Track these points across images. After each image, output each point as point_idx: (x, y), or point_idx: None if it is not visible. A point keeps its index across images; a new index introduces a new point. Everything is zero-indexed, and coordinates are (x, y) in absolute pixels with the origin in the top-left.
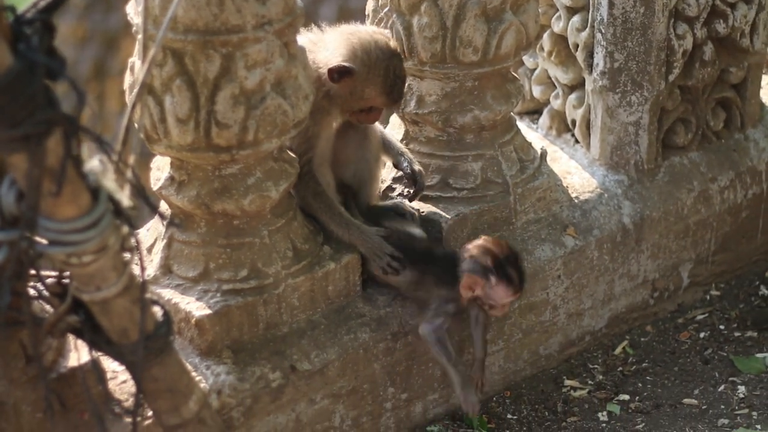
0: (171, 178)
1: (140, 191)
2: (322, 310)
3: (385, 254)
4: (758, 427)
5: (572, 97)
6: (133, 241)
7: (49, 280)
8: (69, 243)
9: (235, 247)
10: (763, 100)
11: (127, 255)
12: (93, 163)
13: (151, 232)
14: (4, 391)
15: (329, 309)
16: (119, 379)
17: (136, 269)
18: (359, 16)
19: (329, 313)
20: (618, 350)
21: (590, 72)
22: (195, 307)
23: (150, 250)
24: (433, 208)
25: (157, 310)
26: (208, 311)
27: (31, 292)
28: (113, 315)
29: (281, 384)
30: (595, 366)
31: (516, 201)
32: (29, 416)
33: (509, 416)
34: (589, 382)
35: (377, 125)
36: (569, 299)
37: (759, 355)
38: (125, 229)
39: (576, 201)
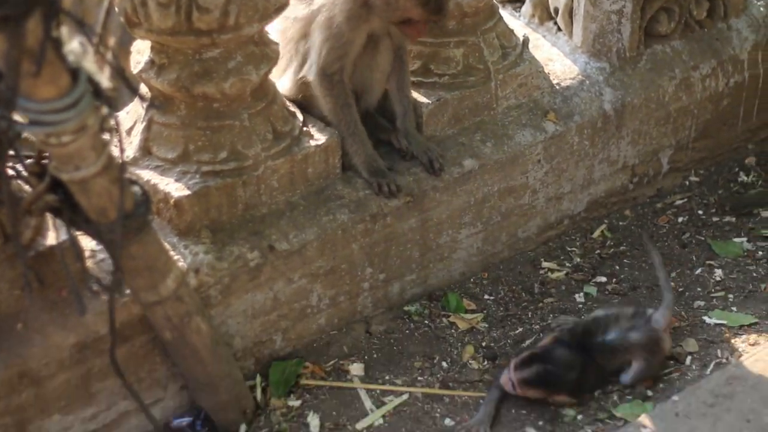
0: (151, 62)
1: (120, 73)
2: (301, 192)
3: (386, 180)
4: (734, 309)
5: None
6: (112, 122)
7: (27, 161)
8: (48, 123)
9: (214, 130)
10: None
11: (106, 136)
12: (73, 44)
13: (131, 115)
14: None
15: (308, 191)
16: (97, 258)
17: (115, 150)
18: None
19: (308, 195)
20: (596, 234)
21: None
22: (174, 188)
23: (129, 132)
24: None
25: (136, 190)
26: (186, 192)
27: (10, 171)
28: (92, 194)
29: (259, 263)
30: (573, 249)
31: (497, 87)
32: (7, 293)
33: (486, 297)
34: (567, 264)
35: (405, 60)
36: (549, 183)
37: (736, 240)
38: (104, 110)
39: (557, 87)
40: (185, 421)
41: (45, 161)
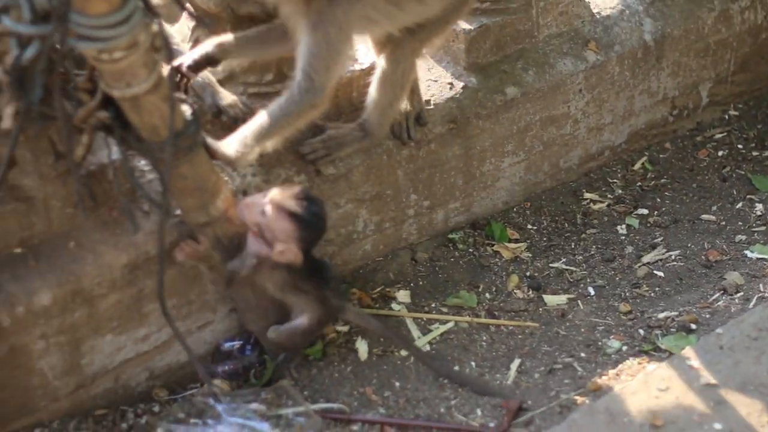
0: None
1: None
2: (346, 117)
3: None
4: None
5: None
6: (162, 39)
7: (79, 78)
8: (100, 38)
9: None
10: None
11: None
12: None
13: (178, 34)
14: (35, 186)
15: (354, 115)
16: (147, 177)
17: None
18: None
19: (354, 120)
20: (637, 166)
21: None
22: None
23: None
24: None
25: (186, 109)
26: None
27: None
28: (143, 112)
29: (306, 187)
30: (615, 180)
31: (538, 14)
32: (59, 211)
33: (529, 226)
34: (609, 195)
35: None
36: (590, 113)
37: None
38: (155, 27)
39: (598, 17)
40: (235, 344)
41: (96, 78)
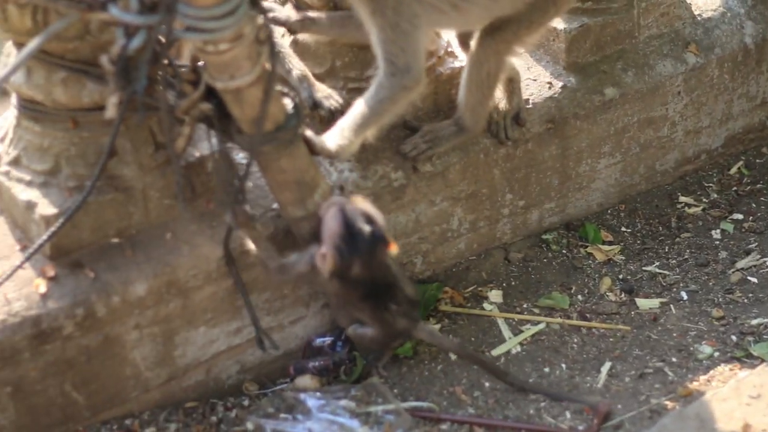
0: None
1: None
2: (444, 114)
3: None
4: None
5: None
6: (267, 31)
7: (182, 69)
8: (206, 30)
9: (362, 47)
10: None
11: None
12: None
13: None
14: (134, 177)
15: (451, 113)
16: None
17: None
18: None
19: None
20: (733, 170)
21: None
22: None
23: None
24: None
25: (288, 102)
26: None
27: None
28: (245, 104)
29: (403, 184)
30: (710, 184)
31: (639, 15)
32: (157, 202)
33: (623, 229)
34: (704, 199)
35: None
36: (688, 116)
37: None
38: (260, 19)
39: (699, 19)
40: (326, 340)
41: (200, 70)
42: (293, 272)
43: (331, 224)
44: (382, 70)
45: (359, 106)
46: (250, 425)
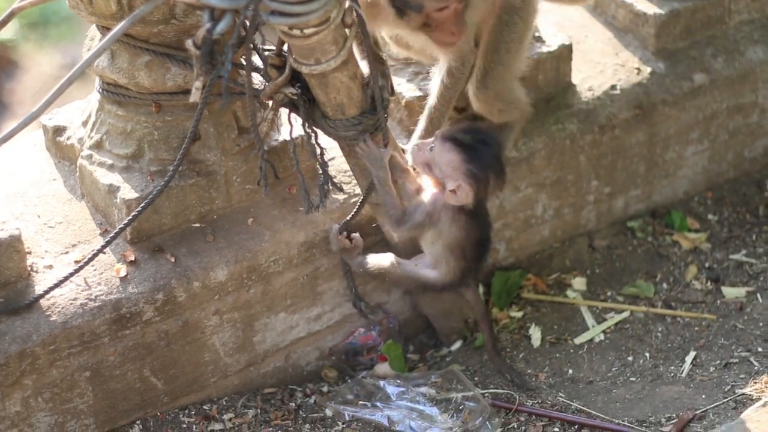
0: None
1: None
2: (532, 99)
3: None
4: None
5: None
6: (354, 15)
7: (268, 53)
8: (293, 14)
9: None
10: None
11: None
12: None
13: None
14: (216, 161)
15: (538, 98)
16: (328, 156)
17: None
18: None
19: (538, 102)
20: None
21: None
22: (405, 89)
23: None
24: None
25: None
26: (418, 93)
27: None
28: (330, 89)
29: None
30: None
31: (730, 0)
32: (239, 187)
33: (710, 217)
34: None
35: None
36: None
37: None
38: (346, 3)
39: None
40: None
41: (285, 54)
42: (413, 223)
43: (447, 157)
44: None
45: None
46: (329, 412)
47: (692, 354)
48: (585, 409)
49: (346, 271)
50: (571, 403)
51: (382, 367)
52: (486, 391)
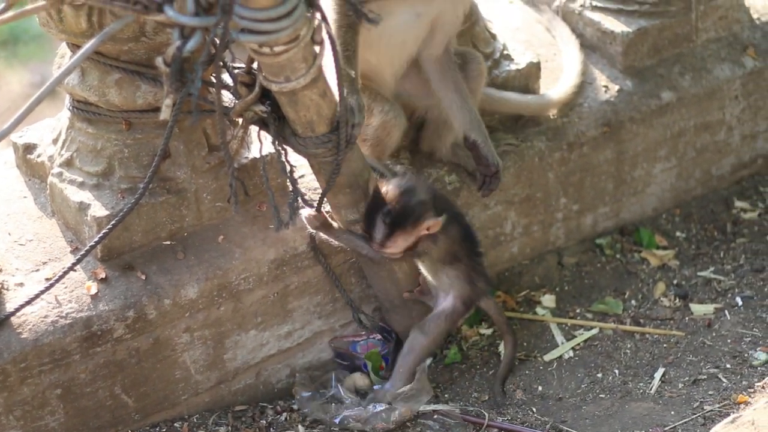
0: None
1: None
2: (499, 117)
3: None
4: None
5: None
6: (323, 33)
7: (237, 71)
8: (263, 32)
9: None
10: None
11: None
12: None
13: None
14: (187, 179)
15: (507, 116)
16: (297, 174)
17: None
18: None
19: (506, 120)
20: None
21: None
22: None
23: None
24: None
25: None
26: None
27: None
28: (300, 107)
29: (457, 187)
30: (766, 189)
31: (697, 18)
32: (209, 204)
33: (678, 234)
34: (760, 204)
35: None
36: (745, 121)
37: None
38: (316, 21)
39: (757, 22)
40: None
41: (255, 72)
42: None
43: (406, 201)
44: None
45: None
46: (301, 428)
47: (661, 371)
48: (557, 425)
49: (336, 283)
50: (543, 418)
51: (352, 379)
52: (452, 405)
